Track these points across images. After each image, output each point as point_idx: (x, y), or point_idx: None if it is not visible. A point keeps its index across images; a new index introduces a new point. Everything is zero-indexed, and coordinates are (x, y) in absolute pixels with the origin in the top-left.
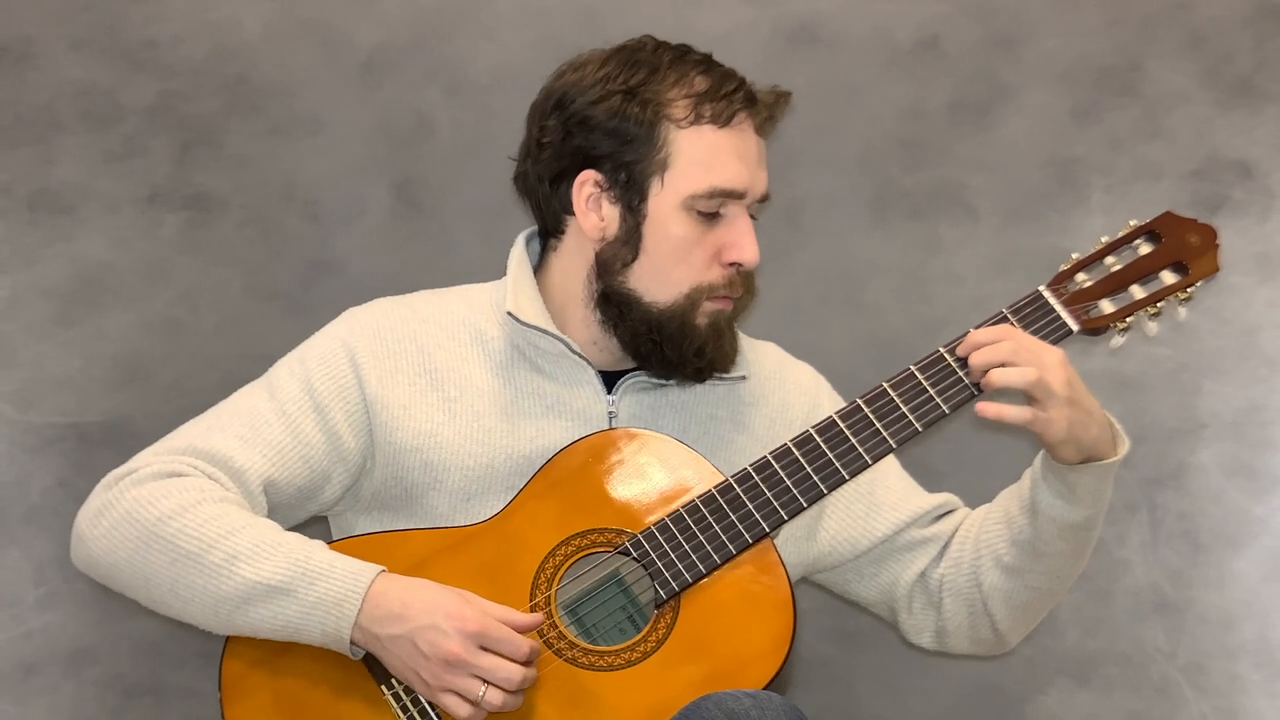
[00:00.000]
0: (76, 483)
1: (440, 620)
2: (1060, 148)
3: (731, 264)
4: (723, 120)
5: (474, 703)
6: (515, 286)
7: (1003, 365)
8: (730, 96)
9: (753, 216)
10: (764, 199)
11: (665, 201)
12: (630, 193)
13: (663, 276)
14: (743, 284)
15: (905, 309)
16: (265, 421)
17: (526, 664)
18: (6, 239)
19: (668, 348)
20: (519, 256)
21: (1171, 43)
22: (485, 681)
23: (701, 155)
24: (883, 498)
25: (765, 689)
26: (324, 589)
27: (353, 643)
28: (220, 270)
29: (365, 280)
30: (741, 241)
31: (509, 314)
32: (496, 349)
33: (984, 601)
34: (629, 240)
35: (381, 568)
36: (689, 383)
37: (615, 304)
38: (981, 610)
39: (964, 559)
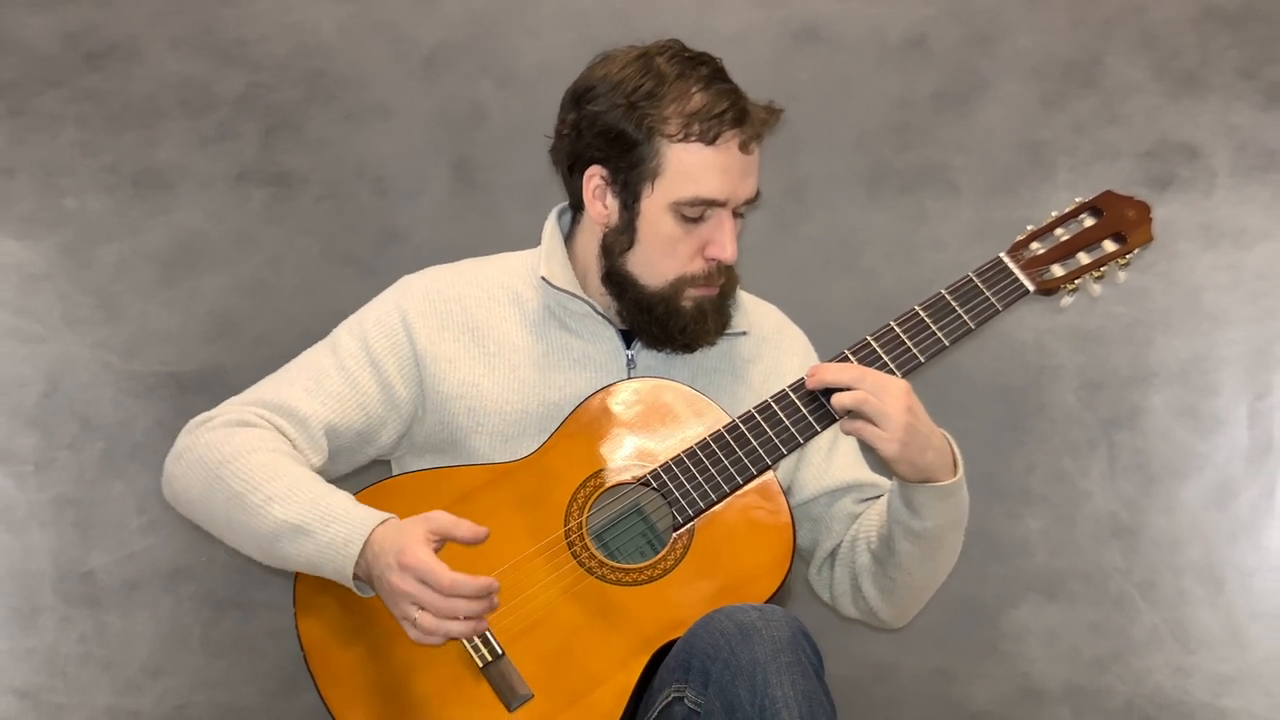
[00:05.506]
0: (175, 424)
1: (392, 559)
2: (1031, 132)
3: (712, 259)
4: (709, 138)
5: (416, 624)
6: (548, 254)
7: (848, 389)
8: (720, 117)
9: (741, 215)
10: (752, 200)
11: (655, 204)
12: (627, 192)
13: (652, 266)
14: (723, 274)
15: (895, 272)
16: (327, 375)
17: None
18: (115, 211)
19: (655, 326)
20: (551, 228)
21: (1127, 41)
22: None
23: (688, 168)
24: (839, 460)
25: (769, 601)
26: (335, 531)
27: (359, 578)
28: (301, 239)
29: (426, 247)
30: (722, 241)
31: (543, 279)
32: (531, 309)
33: (857, 577)
34: (625, 231)
35: (386, 516)
36: (680, 352)
37: (616, 282)
38: (856, 584)
39: (855, 536)
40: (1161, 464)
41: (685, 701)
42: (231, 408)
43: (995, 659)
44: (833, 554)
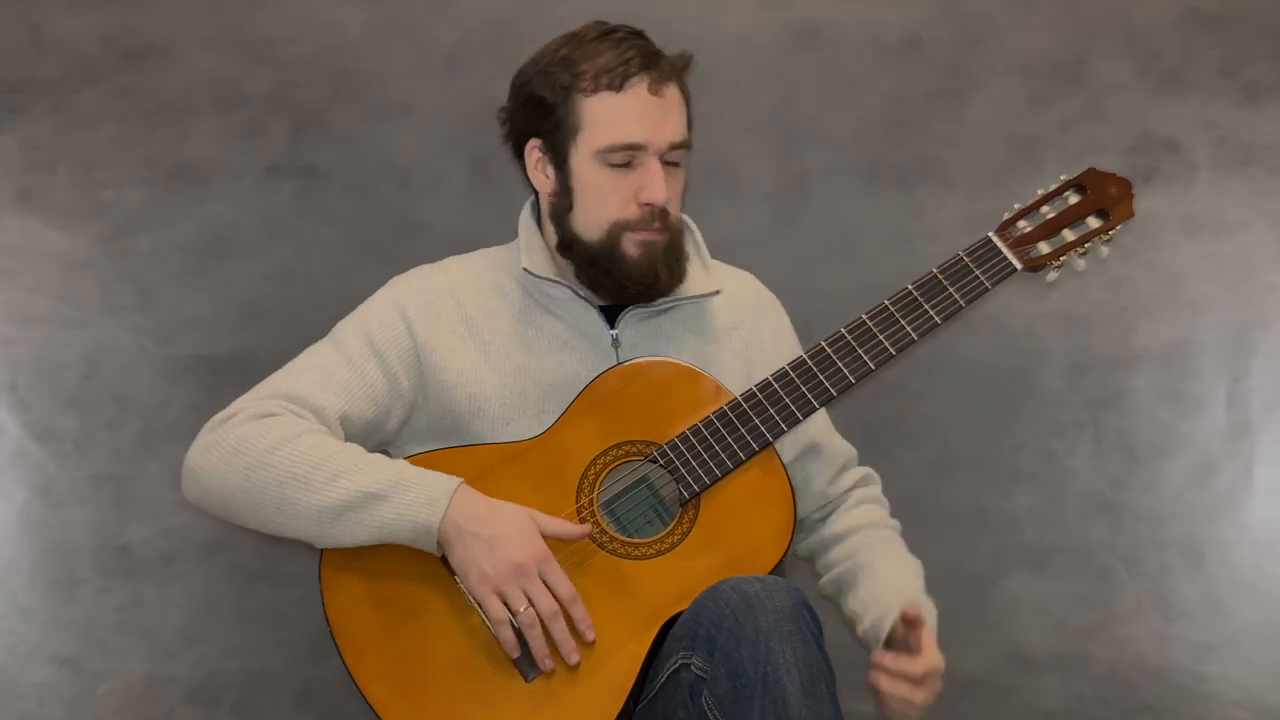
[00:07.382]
0: (208, 405)
1: (519, 536)
2: (1020, 128)
3: (646, 204)
4: (617, 86)
5: (513, 612)
6: (527, 246)
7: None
8: (626, 64)
9: (676, 164)
10: (680, 146)
11: (581, 159)
12: (556, 155)
13: (590, 218)
14: (658, 218)
15: (891, 261)
16: (335, 369)
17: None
18: (150, 203)
19: (606, 278)
20: (526, 220)
21: (1112, 41)
22: (529, 601)
23: (603, 117)
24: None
25: (772, 571)
26: (416, 493)
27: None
28: (326, 229)
29: (446, 238)
30: (650, 184)
31: (525, 270)
32: (515, 299)
33: (819, 568)
34: (564, 192)
35: (459, 480)
36: (643, 303)
37: (566, 245)
38: (816, 565)
39: (832, 567)
40: (1144, 443)
41: (691, 668)
42: (250, 403)
43: (986, 628)
44: (800, 522)
